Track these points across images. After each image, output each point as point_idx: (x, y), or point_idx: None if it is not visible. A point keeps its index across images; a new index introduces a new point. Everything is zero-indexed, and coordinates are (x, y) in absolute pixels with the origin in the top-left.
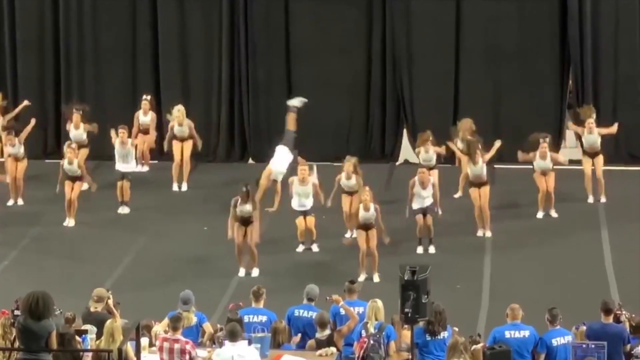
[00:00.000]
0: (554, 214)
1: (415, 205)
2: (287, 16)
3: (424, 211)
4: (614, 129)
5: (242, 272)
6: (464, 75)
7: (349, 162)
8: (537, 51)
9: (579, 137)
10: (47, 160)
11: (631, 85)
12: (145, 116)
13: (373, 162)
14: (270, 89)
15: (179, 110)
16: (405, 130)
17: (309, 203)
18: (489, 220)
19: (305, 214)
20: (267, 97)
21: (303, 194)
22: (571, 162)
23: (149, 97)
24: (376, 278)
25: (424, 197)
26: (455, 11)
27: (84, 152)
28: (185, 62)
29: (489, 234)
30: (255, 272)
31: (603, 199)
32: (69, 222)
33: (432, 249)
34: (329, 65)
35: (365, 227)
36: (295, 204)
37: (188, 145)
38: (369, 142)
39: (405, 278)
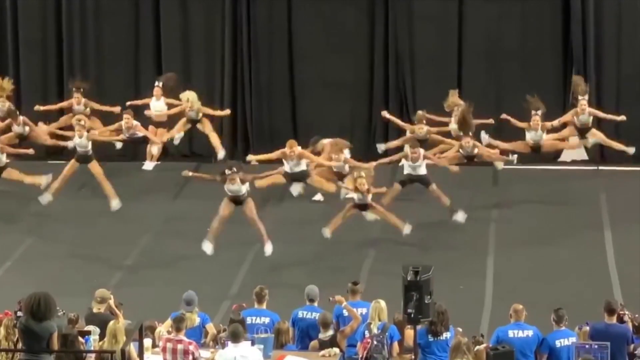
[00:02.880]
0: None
1: (408, 171)
2: (290, 16)
3: (420, 180)
4: (620, 118)
5: (208, 248)
6: (467, 75)
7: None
8: (540, 51)
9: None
10: (49, 162)
11: (634, 84)
12: (158, 101)
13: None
14: (273, 89)
15: (187, 99)
16: (407, 131)
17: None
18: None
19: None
20: (269, 97)
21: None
22: (573, 162)
23: (160, 84)
24: (407, 229)
25: (418, 166)
26: (458, 11)
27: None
28: (188, 62)
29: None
30: (268, 248)
31: (631, 150)
32: (46, 197)
33: (460, 216)
34: (331, 65)
35: (362, 207)
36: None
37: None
38: (371, 143)
39: (408, 278)
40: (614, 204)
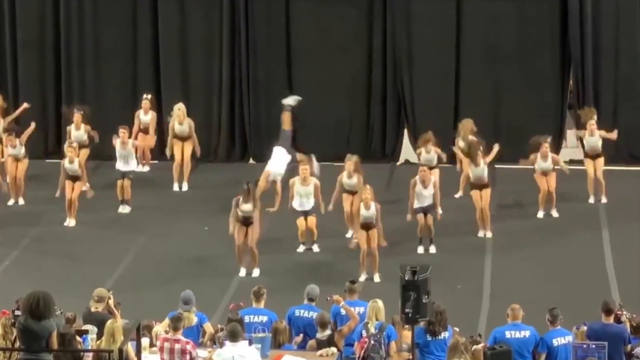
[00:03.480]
0: (554, 213)
1: (416, 204)
2: (288, 16)
3: (425, 210)
4: (614, 135)
5: (242, 272)
6: (465, 75)
7: (350, 161)
8: (538, 51)
9: (580, 139)
10: (47, 160)
11: (631, 85)
12: (145, 115)
13: (374, 162)
14: (271, 88)
15: (179, 109)
16: (405, 131)
17: (309, 203)
18: (490, 221)
19: (306, 214)
20: (267, 96)
21: (304, 194)
22: (572, 162)
23: (149, 96)
24: (377, 278)
25: (425, 195)
26: (456, 11)
27: (85, 152)
28: (186, 62)
29: (489, 234)
30: (255, 272)
31: (604, 200)
32: (70, 222)
33: (432, 249)
34: (329, 65)
35: (367, 226)
36: (296, 204)
37: (188, 145)
38: (369, 143)
39: (406, 278)
40: (612, 203)
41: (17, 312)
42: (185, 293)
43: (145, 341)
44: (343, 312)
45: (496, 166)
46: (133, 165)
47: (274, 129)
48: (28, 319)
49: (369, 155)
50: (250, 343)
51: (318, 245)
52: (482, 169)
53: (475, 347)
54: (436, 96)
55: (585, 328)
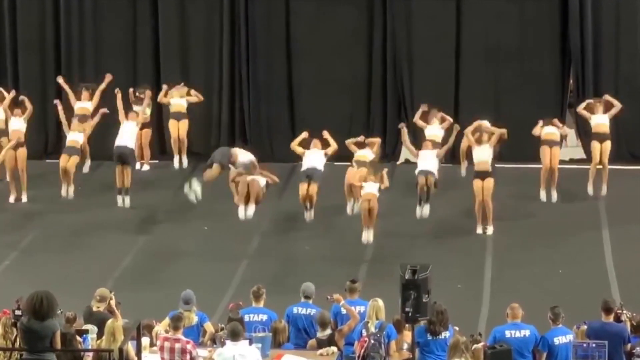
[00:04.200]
0: (554, 194)
1: (419, 167)
2: (288, 16)
3: (426, 174)
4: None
5: (241, 212)
6: (465, 74)
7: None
8: (538, 50)
9: (585, 120)
10: (47, 160)
11: (632, 84)
12: (139, 104)
13: None
14: (271, 89)
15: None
16: (406, 130)
17: (316, 163)
18: (492, 215)
19: (309, 178)
20: (268, 97)
21: (314, 157)
22: (572, 161)
23: (144, 93)
24: (370, 236)
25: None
26: (456, 10)
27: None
28: (186, 62)
29: (490, 230)
30: (250, 209)
31: (604, 190)
32: (68, 190)
33: (426, 210)
34: (329, 65)
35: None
36: (305, 162)
37: (184, 124)
38: None
39: (406, 277)
40: (612, 203)
41: (18, 312)
42: (185, 292)
43: (145, 340)
44: (343, 311)
45: (496, 165)
46: (131, 144)
47: (274, 128)
48: (31, 319)
49: None
50: (251, 342)
51: (313, 213)
52: (485, 151)
53: (475, 346)
54: (436, 96)
55: (585, 327)
